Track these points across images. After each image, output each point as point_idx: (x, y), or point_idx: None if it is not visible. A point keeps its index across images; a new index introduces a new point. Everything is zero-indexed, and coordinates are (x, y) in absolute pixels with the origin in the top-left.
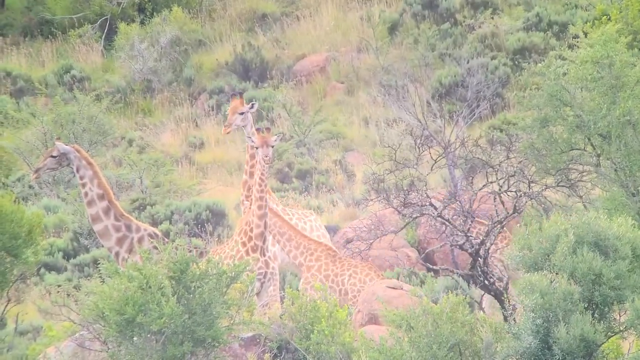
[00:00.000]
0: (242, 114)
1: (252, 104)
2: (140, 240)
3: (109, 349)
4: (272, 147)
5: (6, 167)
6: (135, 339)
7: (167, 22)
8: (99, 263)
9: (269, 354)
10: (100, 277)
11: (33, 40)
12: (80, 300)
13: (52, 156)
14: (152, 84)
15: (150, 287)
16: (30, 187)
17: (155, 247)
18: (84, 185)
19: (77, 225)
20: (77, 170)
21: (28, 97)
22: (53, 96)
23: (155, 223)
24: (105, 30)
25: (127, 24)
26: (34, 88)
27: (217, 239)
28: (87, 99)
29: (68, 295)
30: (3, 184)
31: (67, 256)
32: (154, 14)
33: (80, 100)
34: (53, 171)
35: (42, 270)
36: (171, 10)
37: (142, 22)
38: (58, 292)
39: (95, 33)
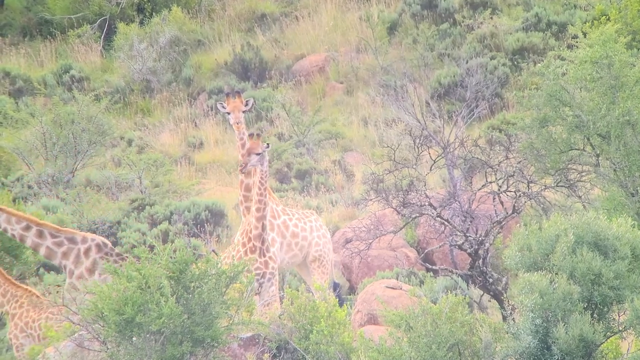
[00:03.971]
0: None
1: (267, 145)
2: (87, 250)
3: (108, 349)
4: (259, 154)
5: (5, 167)
6: (134, 339)
7: (166, 22)
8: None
9: (268, 354)
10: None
11: (32, 40)
12: (79, 300)
13: None
14: (151, 84)
15: (149, 287)
16: (29, 187)
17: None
18: (5, 230)
19: (76, 225)
20: None
21: (27, 97)
22: (52, 96)
23: (154, 223)
24: (105, 31)
25: (126, 24)
26: (33, 88)
27: (216, 239)
28: (86, 99)
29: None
30: (2, 184)
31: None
32: (153, 14)
33: (79, 100)
34: None
35: (41, 270)
36: (170, 10)
37: (141, 22)
38: (57, 292)
39: (95, 33)
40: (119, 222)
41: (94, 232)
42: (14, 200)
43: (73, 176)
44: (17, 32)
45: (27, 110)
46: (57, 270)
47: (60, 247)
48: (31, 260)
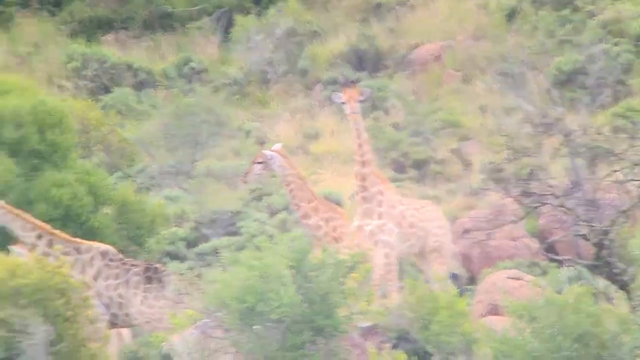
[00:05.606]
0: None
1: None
2: (92, 259)
3: (231, 337)
4: (260, 163)
5: (129, 159)
6: (256, 327)
7: (283, 13)
8: (220, 252)
9: (388, 343)
10: (222, 266)
11: (154, 33)
12: (202, 288)
13: None
14: (268, 75)
15: (269, 276)
16: (151, 177)
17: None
18: (20, 237)
19: (197, 215)
20: (6, 226)
21: (149, 89)
22: (173, 88)
23: (272, 212)
24: (223, 22)
25: (244, 16)
26: (155, 80)
27: (332, 229)
28: (205, 90)
29: (190, 283)
30: (126, 174)
31: (189, 245)
32: (270, 5)
33: (198, 92)
34: None
35: (165, 259)
36: (287, 1)
37: (258, 14)
38: (181, 280)
39: (213, 25)
40: (238, 212)
41: (214, 222)
42: (136, 191)
43: (194, 167)
44: (139, 25)
45: (149, 102)
46: (181, 259)
47: (69, 256)
48: (155, 249)
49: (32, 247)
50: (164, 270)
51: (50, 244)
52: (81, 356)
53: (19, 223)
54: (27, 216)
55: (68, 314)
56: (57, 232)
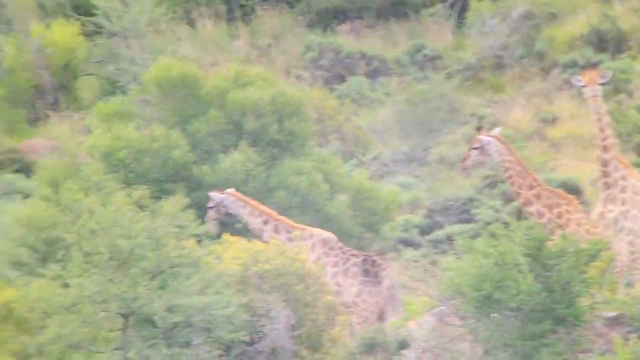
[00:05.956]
0: (476, 148)
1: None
2: (313, 246)
3: (467, 324)
4: (477, 148)
5: (363, 146)
6: (493, 315)
7: None
8: (454, 239)
9: (636, 334)
10: (456, 253)
11: (387, 22)
12: (437, 275)
13: (210, 207)
14: (503, 60)
15: (506, 264)
16: (384, 165)
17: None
18: (247, 224)
19: (431, 202)
20: (236, 213)
21: (382, 77)
22: (405, 76)
23: (507, 200)
24: (457, 8)
25: (479, 0)
26: (388, 68)
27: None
28: (438, 77)
29: (425, 270)
30: (361, 162)
31: (422, 232)
32: None
33: (431, 78)
34: (216, 220)
35: (399, 245)
36: None
37: None
38: (415, 267)
39: (447, 11)
40: (472, 199)
41: (448, 209)
42: (371, 178)
43: (427, 154)
44: (372, 14)
45: (382, 90)
46: (414, 246)
47: (292, 242)
48: (389, 236)
49: (260, 232)
50: (382, 264)
51: (276, 230)
52: (322, 341)
53: (247, 210)
54: (254, 203)
55: (308, 299)
56: (282, 218)
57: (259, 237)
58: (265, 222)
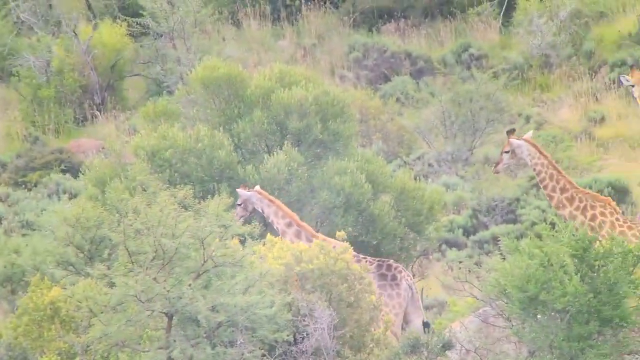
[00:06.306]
0: (507, 152)
1: None
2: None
3: (512, 325)
4: (507, 152)
5: (407, 146)
6: (538, 316)
7: None
8: (499, 240)
9: None
10: (501, 254)
11: (433, 21)
12: (481, 276)
13: (238, 204)
14: (550, 59)
15: (552, 265)
16: (429, 165)
17: None
18: (272, 222)
19: (476, 203)
20: (262, 211)
21: (427, 77)
22: (451, 75)
23: None
24: (504, 7)
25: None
26: (433, 68)
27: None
28: (484, 76)
29: (469, 271)
30: (405, 162)
31: (467, 233)
32: None
33: (477, 78)
34: (243, 217)
35: (444, 246)
36: None
37: None
38: (460, 268)
39: (494, 10)
40: (517, 199)
41: (493, 209)
42: (415, 178)
43: (472, 154)
44: (418, 13)
45: (427, 90)
46: (459, 246)
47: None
48: (433, 237)
49: (282, 233)
50: (397, 266)
51: (297, 235)
52: (365, 341)
53: (273, 209)
54: (280, 203)
55: (351, 299)
56: (304, 224)
57: (280, 236)
58: (289, 225)
